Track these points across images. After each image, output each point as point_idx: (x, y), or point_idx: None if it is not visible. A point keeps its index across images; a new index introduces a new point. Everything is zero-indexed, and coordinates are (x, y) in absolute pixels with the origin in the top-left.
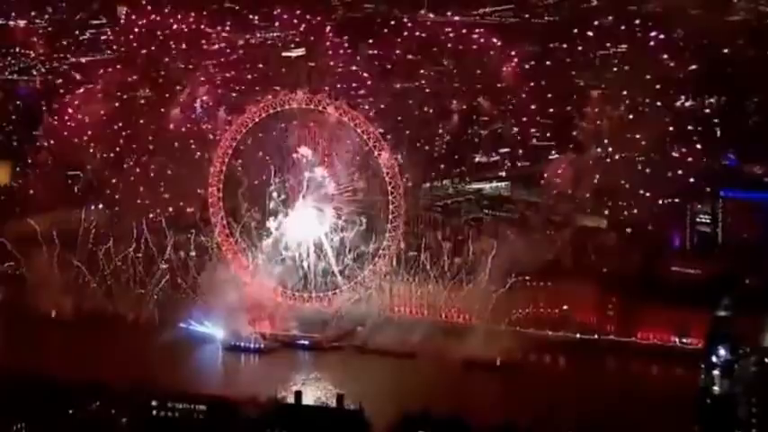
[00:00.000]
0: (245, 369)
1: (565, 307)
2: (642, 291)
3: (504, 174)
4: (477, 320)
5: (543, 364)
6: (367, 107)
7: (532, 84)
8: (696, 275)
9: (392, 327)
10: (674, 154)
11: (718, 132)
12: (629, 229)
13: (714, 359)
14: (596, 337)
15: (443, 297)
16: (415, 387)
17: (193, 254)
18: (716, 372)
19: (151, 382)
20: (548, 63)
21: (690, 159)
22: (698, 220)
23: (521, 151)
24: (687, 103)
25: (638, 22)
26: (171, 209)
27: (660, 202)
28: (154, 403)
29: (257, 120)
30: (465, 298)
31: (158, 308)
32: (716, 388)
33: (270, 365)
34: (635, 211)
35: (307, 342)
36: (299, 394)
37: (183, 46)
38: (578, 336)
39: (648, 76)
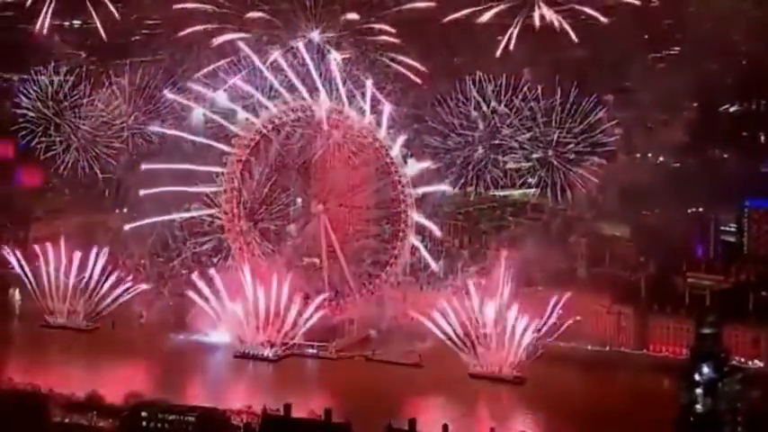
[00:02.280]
0: (247, 378)
1: (578, 318)
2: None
3: (531, 181)
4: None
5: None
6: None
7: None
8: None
9: (402, 336)
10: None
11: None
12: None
13: (697, 377)
14: (607, 348)
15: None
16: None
17: (215, 259)
18: (699, 390)
19: (155, 389)
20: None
21: (727, 165)
22: (722, 229)
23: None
24: (732, 108)
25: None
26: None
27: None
28: (144, 414)
29: (277, 124)
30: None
31: (172, 312)
32: (699, 406)
33: (272, 375)
34: (663, 219)
35: (316, 351)
36: (287, 407)
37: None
38: (588, 347)
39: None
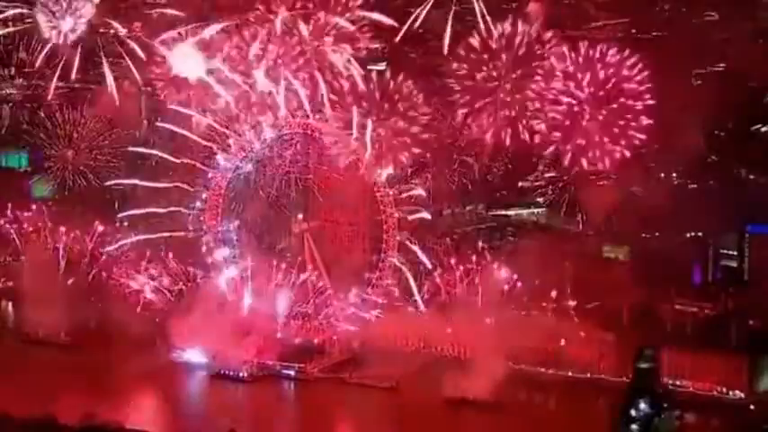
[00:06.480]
0: (215, 399)
1: (562, 342)
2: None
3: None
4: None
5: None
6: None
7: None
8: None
9: (380, 358)
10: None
11: None
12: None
13: (633, 412)
14: (588, 375)
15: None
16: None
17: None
18: (635, 426)
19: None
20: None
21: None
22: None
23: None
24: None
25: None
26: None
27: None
28: None
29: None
30: (459, 329)
31: (155, 329)
32: None
33: (242, 397)
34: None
35: (293, 372)
36: None
37: None
38: (570, 373)
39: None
